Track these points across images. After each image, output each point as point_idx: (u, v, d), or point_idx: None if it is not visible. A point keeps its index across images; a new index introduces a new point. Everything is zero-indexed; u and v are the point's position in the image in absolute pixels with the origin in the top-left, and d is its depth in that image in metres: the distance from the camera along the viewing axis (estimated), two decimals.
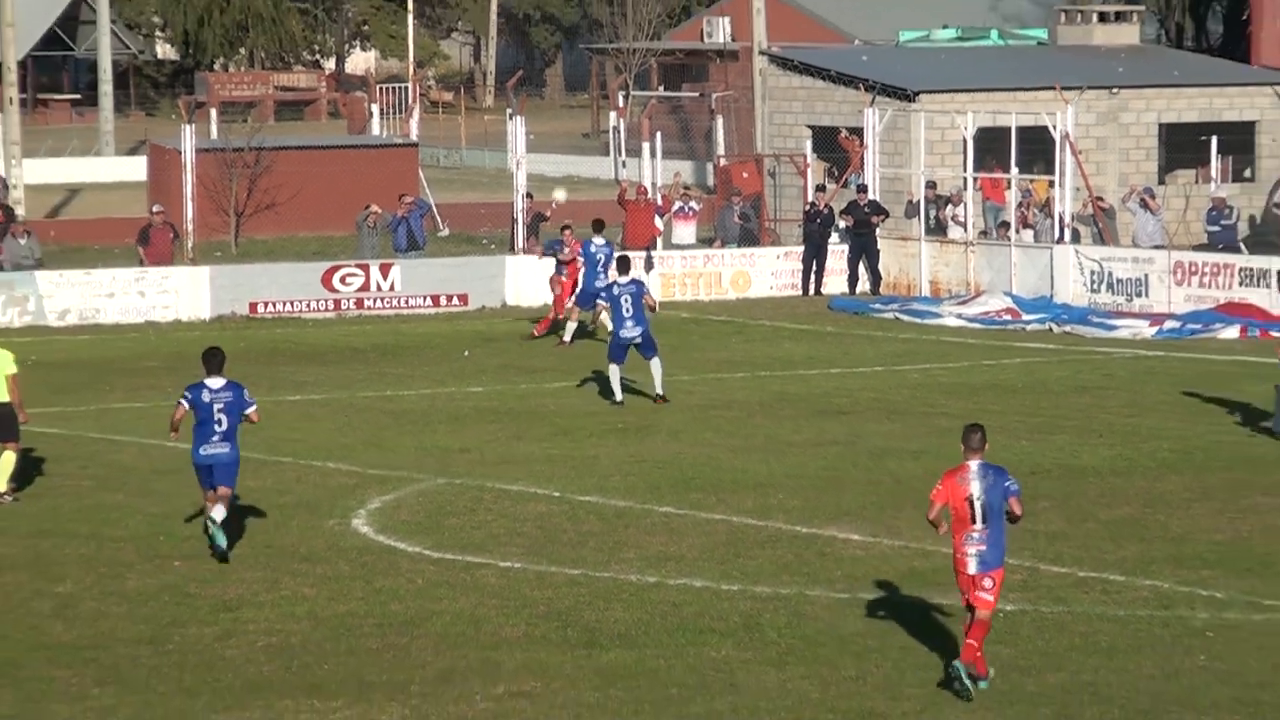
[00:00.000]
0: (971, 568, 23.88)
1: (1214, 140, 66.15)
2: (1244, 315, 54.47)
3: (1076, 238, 60.58)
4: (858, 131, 65.84)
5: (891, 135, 65.64)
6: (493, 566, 29.85)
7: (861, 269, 63.05)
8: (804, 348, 51.88)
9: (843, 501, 33.44)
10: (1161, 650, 25.32)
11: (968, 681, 23.52)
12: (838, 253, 63.16)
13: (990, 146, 63.16)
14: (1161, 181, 67.94)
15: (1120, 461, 36.99)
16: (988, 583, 23.82)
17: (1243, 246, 60.26)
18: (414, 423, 41.39)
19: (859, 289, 62.75)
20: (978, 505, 23.80)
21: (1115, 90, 68.66)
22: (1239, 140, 68.28)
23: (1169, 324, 54.50)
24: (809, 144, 67.40)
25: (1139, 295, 56.93)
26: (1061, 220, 60.43)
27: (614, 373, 42.79)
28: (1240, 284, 56.51)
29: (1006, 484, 23.89)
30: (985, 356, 50.03)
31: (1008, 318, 56.28)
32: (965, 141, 62.54)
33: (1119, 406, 42.81)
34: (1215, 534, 31.22)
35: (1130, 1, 78.40)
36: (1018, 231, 61.64)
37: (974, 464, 24.09)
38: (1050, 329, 54.52)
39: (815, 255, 63.00)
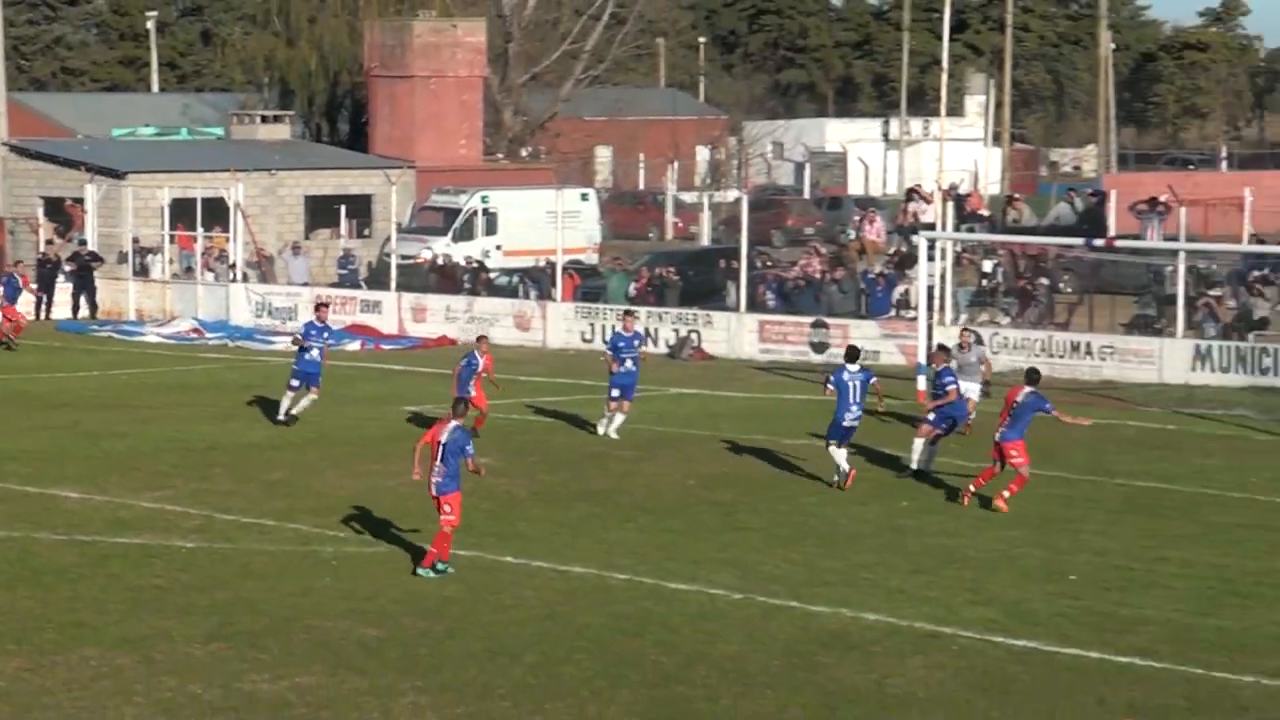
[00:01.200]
0: (433, 491, 25.11)
1: (343, 208, 66.95)
2: (364, 333, 55.10)
3: (246, 278, 60.43)
4: (80, 201, 65.14)
5: (107, 203, 64.80)
6: None
7: (83, 301, 61.89)
8: (36, 358, 50.44)
9: (64, 470, 32.54)
10: (300, 575, 25.29)
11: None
12: (64, 288, 61.90)
13: (184, 212, 62.68)
14: (307, 237, 68.09)
15: (276, 439, 36.92)
16: (446, 507, 25.02)
17: (363, 284, 60.88)
18: None
19: (81, 315, 61.58)
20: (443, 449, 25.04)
21: (273, 171, 68.77)
22: (360, 207, 69.13)
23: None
24: (41, 210, 66.67)
25: (291, 319, 56.93)
26: (234, 265, 60.29)
27: None
28: (361, 311, 57.15)
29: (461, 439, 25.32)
30: (178, 364, 49.37)
31: (195, 336, 55.83)
32: (163, 208, 62.17)
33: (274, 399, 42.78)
34: (341, 491, 31.35)
35: (283, 107, 78.60)
36: (202, 273, 61.28)
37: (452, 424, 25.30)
38: (227, 344, 54.14)
39: (45, 290, 61.54)
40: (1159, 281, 49.11)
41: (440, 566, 25.02)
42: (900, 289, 51.09)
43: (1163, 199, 55.08)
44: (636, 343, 37.10)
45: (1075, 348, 44.97)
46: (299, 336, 40.16)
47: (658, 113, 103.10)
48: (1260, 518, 28.41)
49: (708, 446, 35.32)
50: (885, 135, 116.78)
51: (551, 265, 55.74)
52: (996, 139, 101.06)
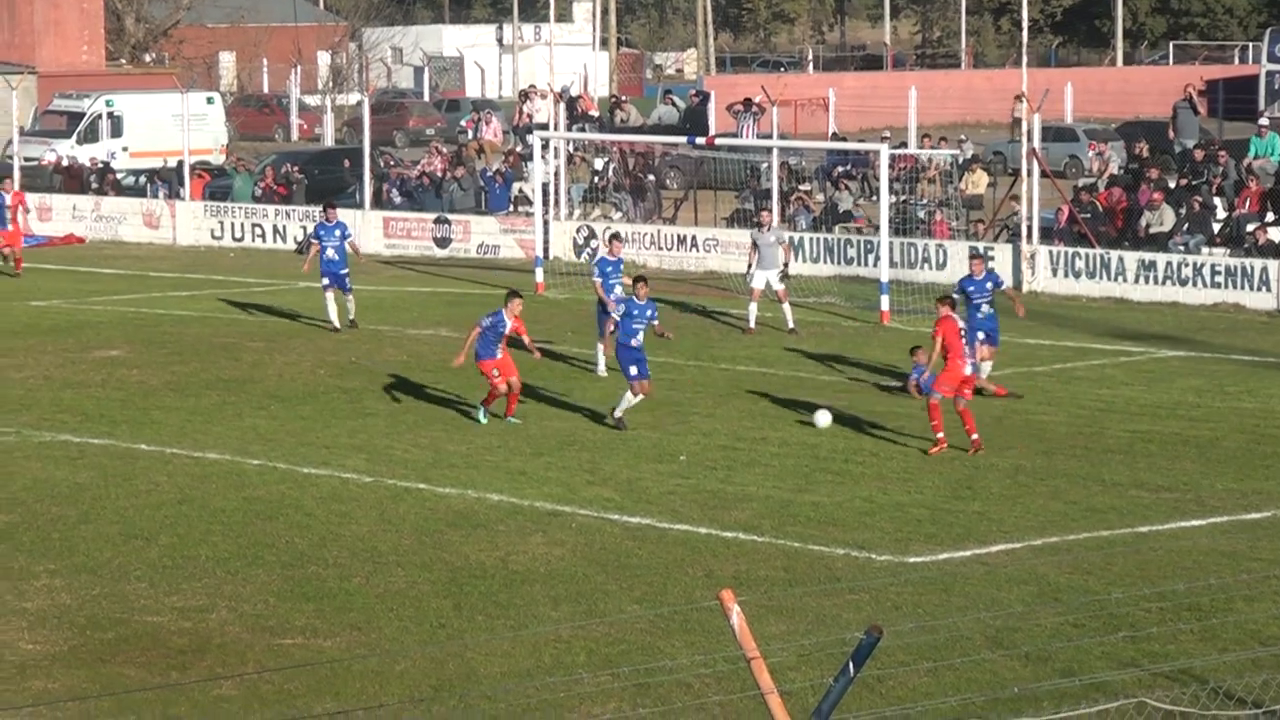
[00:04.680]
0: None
1: None
2: None
3: None
4: None
5: None
6: None
7: None
8: None
9: None
10: None
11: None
12: None
13: None
14: None
15: None
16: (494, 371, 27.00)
17: None
18: None
19: None
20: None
21: None
22: None
23: None
24: None
25: None
26: None
27: None
28: None
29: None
30: None
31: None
32: None
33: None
34: None
35: None
36: None
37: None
38: None
39: None
40: (756, 177, 49.91)
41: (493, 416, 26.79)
42: (517, 186, 51.19)
43: (756, 100, 55.90)
44: (650, 313, 27.68)
45: (682, 240, 45.53)
46: (313, 239, 37.58)
47: (279, 19, 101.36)
48: (852, 400, 29.08)
49: (336, 337, 35.04)
50: (500, 40, 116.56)
51: (180, 165, 54.65)
52: (604, 44, 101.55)
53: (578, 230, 46.53)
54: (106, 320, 37.42)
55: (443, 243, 48.69)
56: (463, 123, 67.67)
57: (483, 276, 43.58)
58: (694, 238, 45.46)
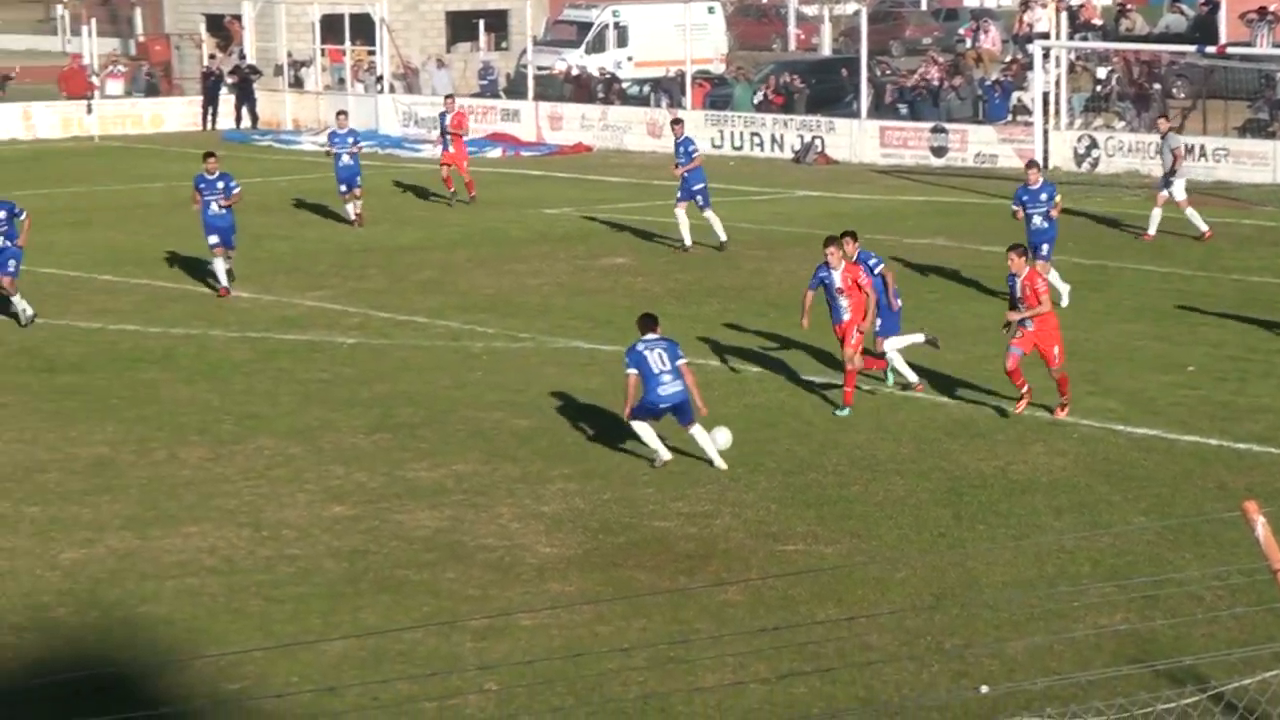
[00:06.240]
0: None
1: (481, 22, 66.46)
2: (504, 141, 54.93)
3: (393, 89, 60.28)
4: (239, 17, 65.06)
5: (263, 20, 64.62)
6: None
7: (244, 111, 62.05)
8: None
9: (235, 270, 32.48)
10: (453, 369, 25.38)
11: None
12: (227, 100, 62.10)
13: (333, 27, 62.45)
14: (449, 51, 67.76)
15: (425, 241, 36.96)
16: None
17: (502, 95, 60.61)
18: None
19: (243, 125, 61.80)
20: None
21: None
22: (498, 22, 68.67)
23: None
24: (203, 26, 66.39)
25: (435, 129, 56.72)
26: (381, 78, 60.10)
27: None
28: (501, 120, 56.92)
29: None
30: (331, 171, 49.28)
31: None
32: (314, 24, 61.93)
33: (422, 202, 42.76)
34: (486, 289, 31.36)
35: None
36: (352, 84, 61.25)
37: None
38: (376, 151, 54.04)
39: (210, 102, 61.81)
40: (1270, 86, 47.98)
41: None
42: (1016, 95, 50.26)
43: (1272, 8, 53.66)
44: (686, 147, 35.10)
45: (1190, 150, 44.14)
46: (329, 147, 39.80)
47: None
48: None
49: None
50: None
51: (681, 75, 55.22)
52: None
53: (1078, 140, 45.53)
54: (611, 229, 38.14)
55: (939, 152, 48.20)
56: (960, 31, 66.71)
57: (979, 186, 43.02)
58: (1203, 147, 43.99)
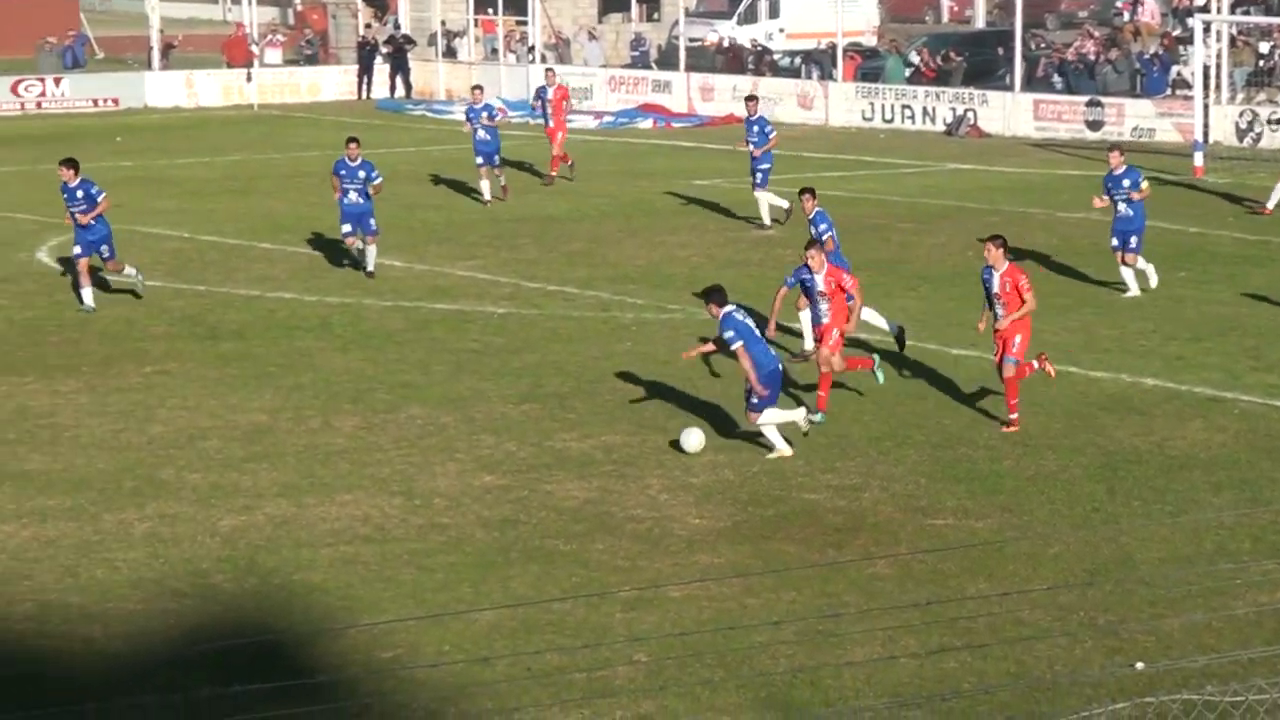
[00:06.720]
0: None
1: None
2: (655, 112, 54.91)
3: (545, 60, 60.40)
4: None
5: None
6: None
7: (398, 81, 62.48)
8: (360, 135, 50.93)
9: (387, 239, 32.42)
10: (602, 339, 25.41)
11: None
12: (382, 70, 62.56)
13: None
14: (600, 21, 67.79)
15: (575, 212, 37.04)
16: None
17: (653, 66, 60.60)
18: None
19: (397, 94, 62.24)
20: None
21: None
22: None
23: (605, 118, 54.68)
24: None
25: (587, 99, 56.96)
26: (533, 48, 60.28)
27: None
28: (652, 91, 56.90)
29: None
30: None
31: (500, 114, 55.85)
32: None
33: (572, 174, 42.88)
34: (636, 260, 31.39)
35: None
36: (505, 55, 61.47)
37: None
38: (527, 122, 54.11)
39: (365, 71, 62.30)
40: None
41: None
42: (1174, 69, 49.54)
43: None
44: (761, 127, 34.51)
45: None
46: (465, 122, 39.18)
47: None
48: None
49: (984, 219, 34.71)
50: None
51: (832, 47, 54.94)
52: None
53: (1240, 114, 44.85)
54: None
55: (1094, 125, 47.65)
56: (1118, 4, 65.84)
57: (1137, 160, 42.42)
58: None
